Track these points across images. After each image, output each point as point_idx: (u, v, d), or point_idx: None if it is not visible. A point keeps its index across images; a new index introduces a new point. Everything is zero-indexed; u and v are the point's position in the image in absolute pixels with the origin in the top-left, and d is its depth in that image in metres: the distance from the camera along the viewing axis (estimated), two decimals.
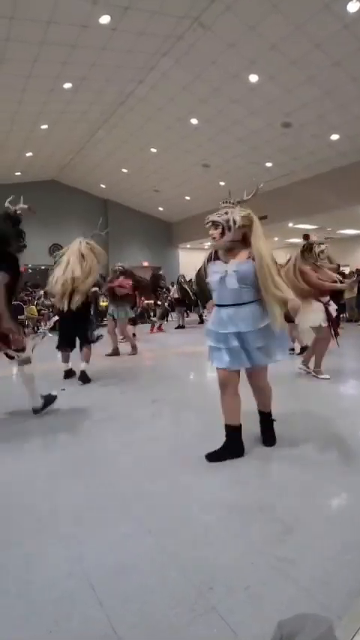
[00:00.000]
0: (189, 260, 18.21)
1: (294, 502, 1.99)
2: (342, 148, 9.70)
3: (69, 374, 4.80)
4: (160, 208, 16.85)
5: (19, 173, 13.46)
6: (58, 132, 10.66)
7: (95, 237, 4.77)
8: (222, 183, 13.02)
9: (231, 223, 2.35)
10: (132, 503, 2.01)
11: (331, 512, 1.97)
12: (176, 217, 17.79)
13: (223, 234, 2.38)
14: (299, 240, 18.01)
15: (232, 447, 2.47)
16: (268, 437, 2.66)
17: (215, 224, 2.40)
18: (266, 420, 2.68)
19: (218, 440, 2.51)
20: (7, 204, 3.44)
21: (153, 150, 11.61)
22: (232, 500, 2.02)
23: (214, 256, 2.52)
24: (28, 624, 1.32)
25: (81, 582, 1.49)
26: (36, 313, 11.07)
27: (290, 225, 13.66)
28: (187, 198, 14.96)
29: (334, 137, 9.33)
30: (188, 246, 18.68)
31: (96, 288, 4.74)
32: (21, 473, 2.39)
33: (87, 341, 4.63)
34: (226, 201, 2.48)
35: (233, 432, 2.48)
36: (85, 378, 4.52)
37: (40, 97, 8.56)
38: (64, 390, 4.16)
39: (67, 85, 8.33)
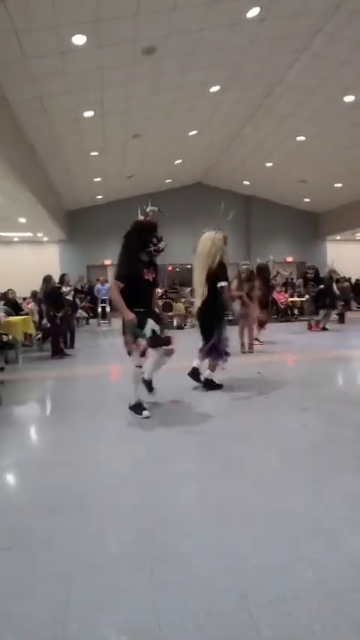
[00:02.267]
0: (339, 253, 16.63)
1: None
2: None
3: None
4: (307, 199, 15.84)
5: (169, 180, 14.52)
6: (206, 135, 11.04)
7: (218, 226, 4.43)
8: None
9: None
10: (285, 524, 1.87)
11: None
12: (324, 208, 16.45)
13: None
14: None
15: None
16: None
17: None
18: None
19: None
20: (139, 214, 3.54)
21: (300, 138, 10.94)
22: None
23: None
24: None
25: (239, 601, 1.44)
26: (183, 310, 11.78)
27: None
28: (338, 185, 13.65)
29: None
30: (338, 237, 17.10)
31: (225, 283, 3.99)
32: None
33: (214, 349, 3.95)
34: None
35: None
36: (210, 385, 4.03)
37: (189, 105, 8.99)
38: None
39: (215, 88, 8.51)
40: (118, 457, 2.67)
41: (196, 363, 4.12)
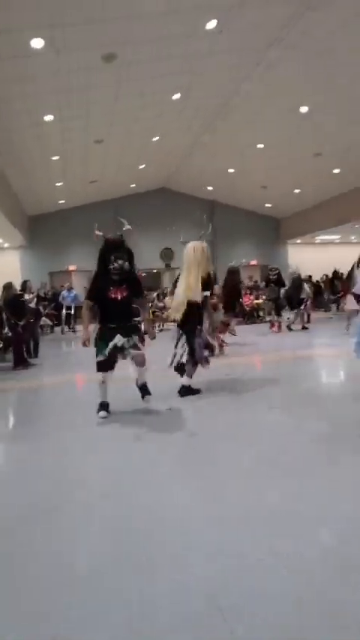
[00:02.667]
0: (300, 256, 17.26)
1: None
2: None
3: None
4: (268, 205, 16.34)
5: (133, 185, 14.52)
6: (168, 141, 11.16)
7: (203, 237, 4.47)
8: (336, 171, 12.03)
9: None
10: (258, 525, 1.93)
11: None
12: (285, 213, 17.04)
13: None
14: None
15: None
16: None
17: None
18: None
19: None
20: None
21: (260, 146, 11.30)
22: None
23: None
24: None
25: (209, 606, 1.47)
26: (151, 315, 11.78)
27: None
28: (297, 191, 14.20)
29: None
30: (298, 241, 17.74)
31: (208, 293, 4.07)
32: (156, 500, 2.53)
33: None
34: None
35: None
36: (187, 391, 4.01)
37: (151, 112, 9.07)
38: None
39: (176, 96, 8.64)
40: (93, 465, 2.66)
41: (185, 380, 4.03)
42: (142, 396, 3.65)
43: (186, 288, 3.92)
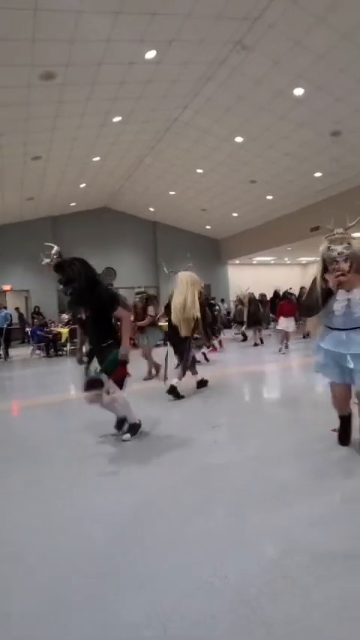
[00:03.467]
0: (239, 275, 18.05)
1: None
2: None
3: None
4: (208, 226, 16.99)
5: (74, 204, 14.31)
6: (109, 162, 11.22)
7: (190, 268, 5.31)
8: (269, 197, 12.88)
9: (357, 254, 2.49)
10: (205, 542, 1.92)
11: None
12: (224, 234, 17.81)
13: (351, 267, 2.48)
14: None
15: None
16: None
17: (346, 257, 2.47)
18: None
19: (288, 464, 2.35)
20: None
21: (199, 171, 11.80)
22: (314, 543, 1.86)
23: (325, 284, 2.61)
24: None
25: (159, 631, 1.42)
26: None
27: None
28: (235, 214, 14.95)
29: None
30: (237, 262, 18.58)
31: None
32: (84, 506, 2.40)
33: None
34: (338, 232, 2.56)
35: (344, 420, 2.89)
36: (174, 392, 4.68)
37: (92, 132, 9.09)
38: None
39: (117, 119, 8.77)
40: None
41: (175, 381, 4.64)
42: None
43: (190, 307, 4.66)
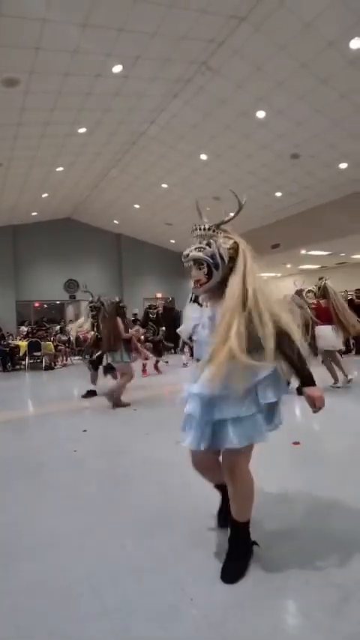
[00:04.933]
0: None
1: (348, 562, 1.79)
2: (352, 175, 9.80)
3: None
4: (172, 241, 17.13)
5: (35, 213, 13.95)
6: (74, 173, 11.08)
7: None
8: (232, 214, 13.20)
9: (218, 260, 1.73)
10: (170, 564, 1.84)
11: None
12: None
13: (209, 276, 1.74)
14: (312, 267, 18.03)
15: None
16: (227, 568, 1.71)
17: (199, 263, 1.75)
18: (235, 534, 1.78)
19: None
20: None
21: (164, 185, 11.92)
22: (280, 562, 1.83)
23: (194, 298, 2.05)
24: None
25: None
26: (53, 349, 11.09)
27: (302, 252, 13.67)
28: None
29: (343, 166, 9.46)
30: None
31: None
32: (40, 531, 2.25)
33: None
34: (204, 228, 1.83)
35: (223, 490, 1.99)
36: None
37: (56, 141, 8.96)
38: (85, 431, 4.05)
39: (82, 130, 8.71)
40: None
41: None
42: None
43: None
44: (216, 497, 2.08)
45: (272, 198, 11.63)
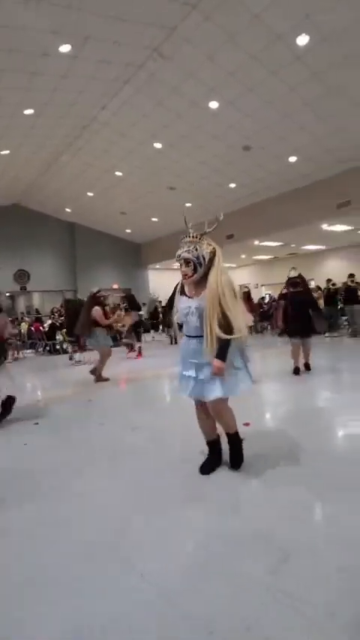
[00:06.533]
0: (159, 280, 18.28)
1: (290, 526, 1.93)
2: (302, 169, 10.17)
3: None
4: (128, 230, 16.91)
5: None
6: (21, 156, 10.55)
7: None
8: (188, 205, 13.28)
9: (202, 260, 2.39)
10: (120, 543, 1.88)
11: (327, 533, 1.92)
12: (144, 239, 17.89)
13: (195, 271, 2.41)
14: (265, 257, 18.54)
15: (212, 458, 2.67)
16: (232, 459, 2.62)
17: (187, 261, 2.41)
18: (232, 441, 2.64)
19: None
20: None
21: (118, 173, 11.70)
22: (225, 531, 1.93)
23: (181, 290, 2.59)
24: None
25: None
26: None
27: (256, 242, 14.06)
28: (155, 219, 15.11)
29: (292, 159, 9.79)
30: (158, 266, 18.78)
31: None
32: None
33: None
34: (191, 236, 2.46)
35: (211, 446, 2.71)
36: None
37: (2, 122, 8.47)
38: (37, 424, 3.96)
39: (29, 111, 8.30)
40: None
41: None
42: None
43: None
44: None
45: (226, 189, 11.81)
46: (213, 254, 2.43)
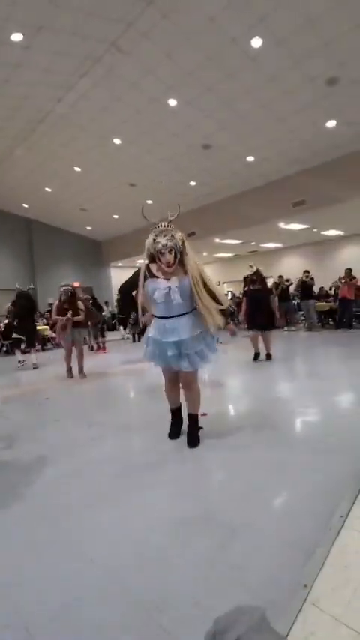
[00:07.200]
0: (121, 278, 18.07)
1: (238, 505, 2.01)
2: (259, 168, 10.47)
3: None
4: (89, 227, 16.62)
5: None
6: None
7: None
8: (149, 202, 13.25)
9: (180, 246, 2.63)
10: (72, 531, 1.88)
11: (273, 510, 2.03)
12: (105, 236, 17.66)
13: (176, 257, 2.62)
14: (227, 254, 18.91)
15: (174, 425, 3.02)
16: (190, 438, 2.85)
17: (170, 250, 2.59)
18: (192, 422, 2.90)
19: (157, 452, 2.46)
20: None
21: (77, 169, 11.48)
22: (177, 513, 1.99)
23: (149, 274, 2.69)
24: None
25: (19, 633, 1.34)
26: None
27: (217, 240, 14.30)
28: (116, 216, 14.97)
29: (250, 159, 10.05)
30: (120, 264, 18.62)
31: None
32: None
33: None
34: (166, 225, 2.66)
35: (174, 412, 3.04)
36: None
37: None
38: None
39: None
40: None
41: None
42: None
43: None
44: None
45: (187, 186, 11.92)
46: (183, 240, 2.66)
